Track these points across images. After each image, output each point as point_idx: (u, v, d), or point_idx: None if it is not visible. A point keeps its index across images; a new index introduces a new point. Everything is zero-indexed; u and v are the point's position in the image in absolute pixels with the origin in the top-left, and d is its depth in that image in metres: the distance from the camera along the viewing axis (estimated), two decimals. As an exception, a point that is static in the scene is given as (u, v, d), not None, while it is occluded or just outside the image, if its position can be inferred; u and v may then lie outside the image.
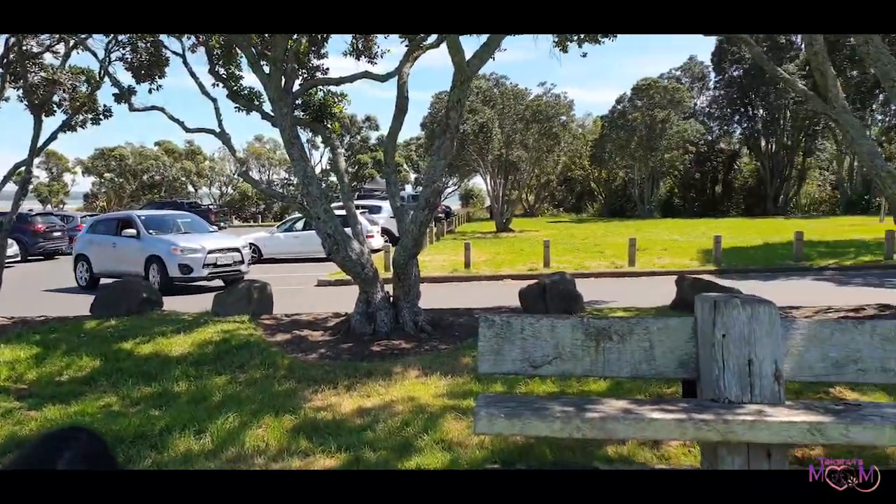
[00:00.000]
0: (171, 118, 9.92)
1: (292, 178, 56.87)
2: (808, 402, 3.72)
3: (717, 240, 15.52)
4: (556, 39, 9.78)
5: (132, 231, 13.83)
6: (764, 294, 3.69)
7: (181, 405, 5.10)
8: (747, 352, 3.36)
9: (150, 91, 10.11)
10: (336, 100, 9.36)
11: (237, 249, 14.08)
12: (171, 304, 10.17)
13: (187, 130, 10.05)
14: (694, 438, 3.24)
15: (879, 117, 36.00)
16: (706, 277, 10.95)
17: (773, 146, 41.81)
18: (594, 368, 3.61)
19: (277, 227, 21.48)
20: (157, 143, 56.60)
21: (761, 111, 41.50)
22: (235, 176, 58.57)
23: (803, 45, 32.46)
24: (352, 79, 8.90)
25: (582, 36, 9.56)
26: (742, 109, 42.51)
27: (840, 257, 15.52)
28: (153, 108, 10.14)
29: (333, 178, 51.25)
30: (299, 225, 19.93)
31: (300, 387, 5.55)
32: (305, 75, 9.25)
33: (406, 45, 8.67)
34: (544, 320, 3.69)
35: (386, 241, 18.46)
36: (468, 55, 6.96)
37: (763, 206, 40.79)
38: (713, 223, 30.25)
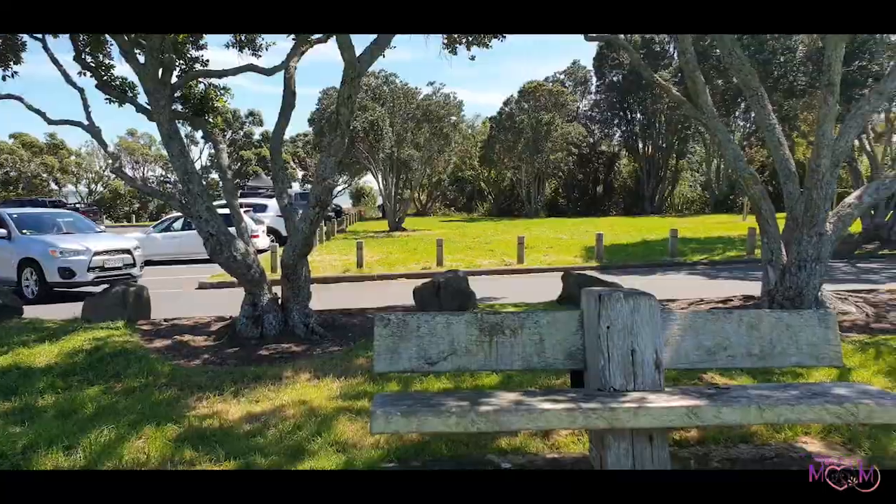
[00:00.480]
0: (31, 108, 9.04)
1: (170, 176, 54.06)
2: (685, 388, 3.95)
3: (599, 237, 16.27)
4: (446, 41, 9.85)
5: (2, 231, 12.37)
6: (643, 288, 3.88)
7: (47, 420, 4.67)
8: (630, 342, 3.51)
9: (3, 78, 9.17)
10: (218, 93, 8.93)
11: (128, 251, 12.94)
12: (38, 312, 9.35)
13: (50, 122, 9.21)
14: (583, 427, 3.34)
15: (742, 123, 39.12)
16: (590, 273, 11.45)
17: (650, 149, 44.48)
18: (488, 362, 3.67)
19: (154, 226, 20.35)
20: (12, 136, 51.82)
21: (639, 115, 44.03)
22: (106, 172, 54.84)
23: (676, 54, 34.72)
24: (235, 72, 8.53)
25: (470, 38, 9.69)
26: (621, 113, 44.91)
27: (710, 253, 16.74)
28: (8, 96, 9.23)
29: (215, 176, 49.25)
30: (178, 224, 19.05)
31: (183, 394, 5.25)
32: (184, 66, 8.76)
33: (293, 39, 8.42)
34: (440, 317, 3.70)
35: (272, 241, 17.96)
36: (358, 51, 6.87)
37: (641, 205, 43.28)
38: (595, 222, 31.75)
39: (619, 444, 3.35)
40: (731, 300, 8.77)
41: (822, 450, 3.85)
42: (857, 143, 16.30)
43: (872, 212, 16.77)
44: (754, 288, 9.29)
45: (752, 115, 38.37)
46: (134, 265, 13.01)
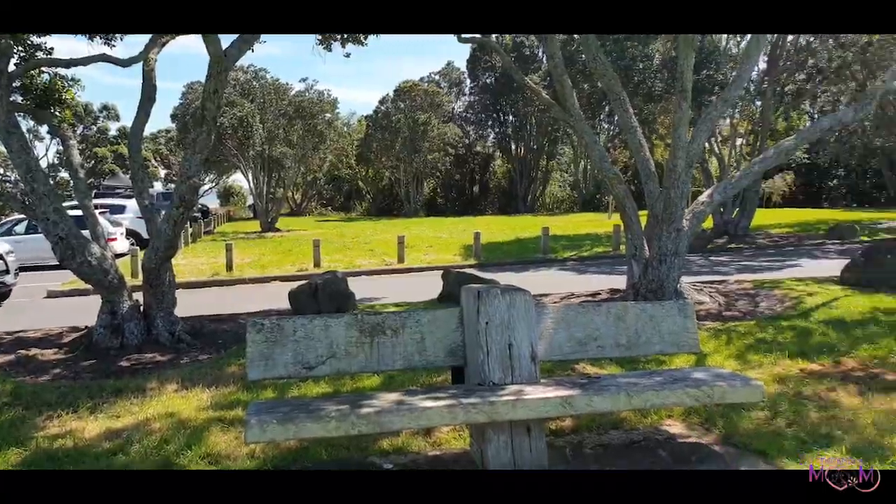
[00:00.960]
0: None
1: (9, 174, 49.07)
2: (559, 378, 4.09)
3: (476, 236, 16.61)
4: (320, 37, 9.62)
5: None
6: (518, 284, 3.97)
7: None
8: (507, 337, 3.58)
9: None
10: (66, 84, 8.15)
11: None
12: None
13: None
14: (464, 422, 3.36)
15: (606, 126, 41.36)
16: (469, 271, 11.65)
17: (522, 150, 46.01)
18: (369, 364, 3.60)
19: (-8, 230, 18.38)
20: None
21: (511, 117, 45.37)
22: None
23: (545, 58, 36.12)
24: (85, 61, 7.83)
25: (345, 35, 9.52)
26: (495, 115, 46.10)
27: (579, 249, 17.56)
28: None
29: (66, 174, 45.27)
30: (21, 228, 17.34)
31: (29, 414, 4.74)
32: (23, 53, 7.91)
33: (153, 28, 7.87)
34: (317, 320, 3.59)
35: (132, 244, 16.80)
36: (225, 45, 6.54)
37: (515, 204, 44.68)
38: (472, 221, 32.40)
39: (498, 437, 3.40)
40: (600, 293, 9.23)
41: (684, 431, 4.11)
42: (707, 145, 17.75)
43: (722, 209, 18.36)
44: (620, 282, 9.81)
45: (616, 118, 40.71)
46: (7, 272, 11.35)
